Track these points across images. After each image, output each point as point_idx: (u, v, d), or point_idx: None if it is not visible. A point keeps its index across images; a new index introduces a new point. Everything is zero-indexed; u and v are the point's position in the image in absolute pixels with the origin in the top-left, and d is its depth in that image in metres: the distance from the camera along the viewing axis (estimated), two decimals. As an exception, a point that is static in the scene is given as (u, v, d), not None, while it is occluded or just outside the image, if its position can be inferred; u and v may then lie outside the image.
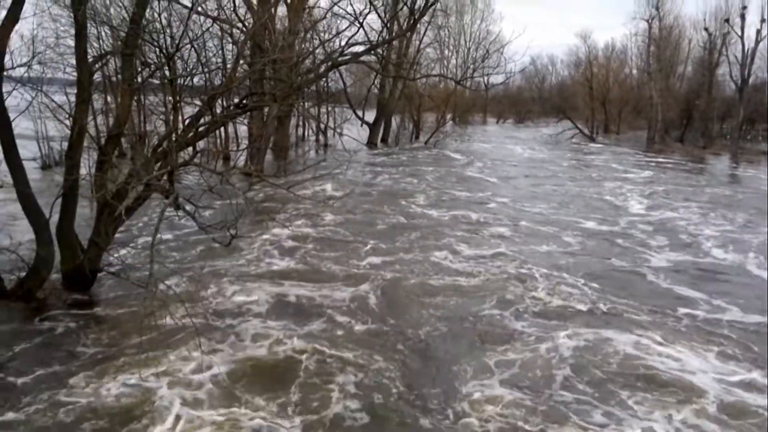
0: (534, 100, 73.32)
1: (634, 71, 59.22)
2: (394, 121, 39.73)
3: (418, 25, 28.41)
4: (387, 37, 15.70)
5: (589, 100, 52.54)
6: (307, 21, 20.02)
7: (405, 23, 22.21)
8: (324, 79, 25.99)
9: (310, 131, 35.82)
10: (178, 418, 5.54)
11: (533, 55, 69.09)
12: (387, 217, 15.04)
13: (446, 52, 59.68)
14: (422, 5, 11.40)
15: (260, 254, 11.00)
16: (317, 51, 15.20)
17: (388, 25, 16.36)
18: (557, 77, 77.41)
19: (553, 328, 8.09)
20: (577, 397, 6.30)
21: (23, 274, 8.17)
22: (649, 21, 46.89)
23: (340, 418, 5.68)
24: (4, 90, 7.69)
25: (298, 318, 8.07)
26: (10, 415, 5.49)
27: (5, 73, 7.74)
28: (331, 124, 33.71)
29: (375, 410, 5.84)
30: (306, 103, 29.59)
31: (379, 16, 20.58)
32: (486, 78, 38.91)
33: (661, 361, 7.18)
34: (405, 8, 12.58)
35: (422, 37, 37.99)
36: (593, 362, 7.10)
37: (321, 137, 34.54)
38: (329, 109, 34.21)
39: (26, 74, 8.63)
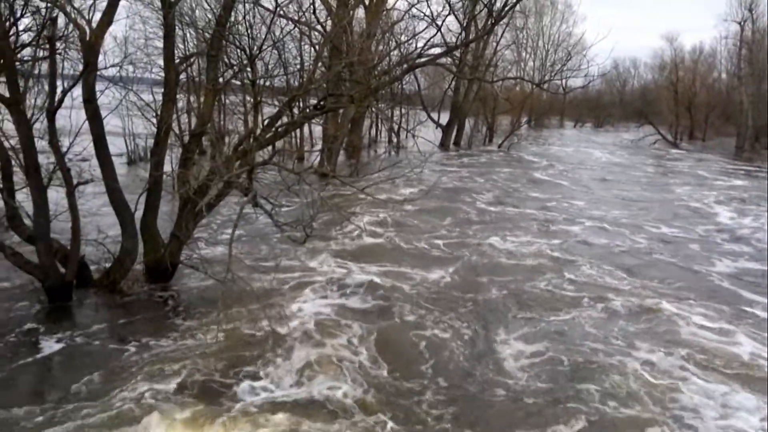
0: (614, 104, 71.11)
1: (724, 75, 56.54)
2: (468, 124, 39.40)
3: (496, 27, 28.06)
4: (464, 39, 15.58)
5: (674, 105, 50.43)
6: (384, 23, 20.15)
7: (483, 25, 22.00)
8: (399, 80, 26.03)
9: (383, 132, 36.00)
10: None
11: (615, 58, 66.95)
12: (457, 213, 15.58)
13: (523, 54, 58.81)
14: (501, 7, 11.21)
15: (335, 248, 11.32)
16: (393, 53, 15.26)
17: (466, 26, 16.19)
18: (640, 81, 74.83)
19: (596, 301, 9.07)
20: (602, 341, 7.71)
21: (109, 264, 8.56)
22: (742, 23, 44.76)
23: (416, 352, 7.14)
24: (96, 89, 8.08)
25: (375, 299, 8.80)
26: (108, 369, 6.21)
27: (98, 73, 8.13)
28: (404, 125, 33.76)
29: (441, 352, 7.14)
30: (380, 105, 29.76)
31: (456, 18, 20.43)
32: (564, 81, 38.14)
33: (702, 334, 7.93)
34: (483, 10, 12.42)
35: (499, 39, 37.56)
36: (625, 323, 8.23)
37: (394, 138, 34.66)
38: (402, 110, 34.25)
39: (118, 74, 9.05)
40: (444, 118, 36.88)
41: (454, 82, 36.06)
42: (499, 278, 10.07)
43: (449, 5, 14.12)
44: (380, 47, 16.85)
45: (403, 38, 19.26)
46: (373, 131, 34.32)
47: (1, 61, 7.17)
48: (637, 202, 19.01)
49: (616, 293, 9.44)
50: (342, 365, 6.54)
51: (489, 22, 12.11)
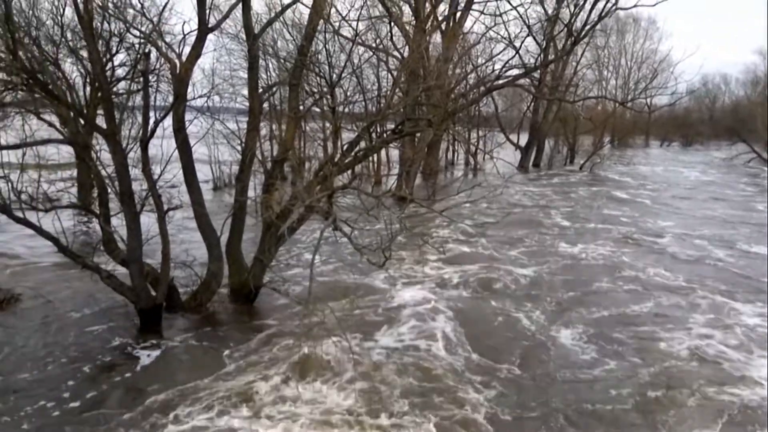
0: (703, 122, 68.15)
1: (824, 88, 53.14)
2: (548, 145, 38.68)
3: (576, 47, 27.58)
4: (543, 59, 15.38)
5: (769, 121, 47.74)
6: (461, 47, 20.18)
7: (562, 45, 21.66)
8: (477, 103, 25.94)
9: (460, 154, 35.83)
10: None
11: (704, 75, 64.29)
12: (536, 228, 16.00)
13: (605, 72, 57.39)
14: (581, 27, 11.00)
15: (415, 267, 11.49)
16: (470, 75, 15.21)
17: (545, 47, 15.99)
18: (731, 97, 71.49)
19: (664, 300, 9.96)
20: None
21: (196, 287, 8.86)
22: (843, 32, 41.99)
23: (500, 334, 8.45)
24: (185, 118, 8.42)
25: (460, 296, 9.86)
26: (199, 379, 6.66)
27: (187, 103, 8.49)
28: (481, 147, 33.50)
29: (520, 332, 8.51)
30: (457, 127, 29.69)
31: (534, 39, 20.18)
32: (649, 99, 36.89)
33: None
34: (563, 30, 12.23)
35: (579, 59, 36.82)
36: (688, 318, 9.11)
37: (471, 161, 34.42)
38: (479, 132, 34.00)
39: (205, 104, 9.43)
40: (523, 140, 36.39)
41: (533, 103, 35.58)
42: (573, 278, 11.21)
43: (527, 27, 14.04)
44: (457, 70, 16.89)
45: (480, 61, 19.25)
46: (450, 154, 34.24)
47: (100, 94, 7.62)
48: (728, 220, 18.20)
49: (684, 295, 10.25)
50: (437, 344, 7.75)
51: (568, 42, 11.90)
